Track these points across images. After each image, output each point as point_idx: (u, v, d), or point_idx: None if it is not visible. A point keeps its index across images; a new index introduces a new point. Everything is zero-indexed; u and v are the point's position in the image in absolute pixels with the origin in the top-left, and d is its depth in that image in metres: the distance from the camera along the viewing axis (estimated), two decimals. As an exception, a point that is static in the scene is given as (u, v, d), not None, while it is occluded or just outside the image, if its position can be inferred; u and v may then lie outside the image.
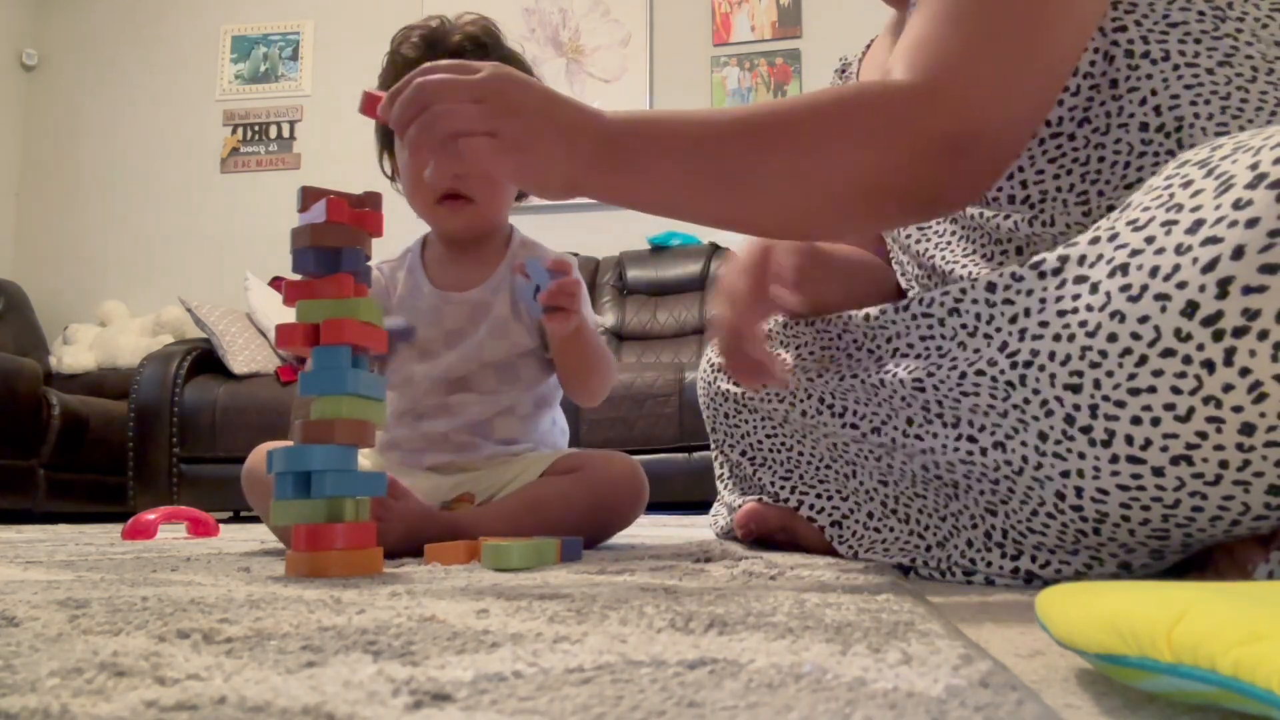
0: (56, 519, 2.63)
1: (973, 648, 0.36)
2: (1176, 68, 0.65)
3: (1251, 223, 0.46)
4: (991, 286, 0.62)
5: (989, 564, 0.67)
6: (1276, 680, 0.22)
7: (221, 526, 1.68)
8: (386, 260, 1.13)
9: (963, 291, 0.64)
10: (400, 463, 1.05)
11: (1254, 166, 0.47)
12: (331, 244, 0.73)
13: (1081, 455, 0.56)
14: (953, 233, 0.79)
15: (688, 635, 0.38)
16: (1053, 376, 0.56)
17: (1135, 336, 0.51)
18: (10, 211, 3.88)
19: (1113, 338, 0.52)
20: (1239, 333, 0.46)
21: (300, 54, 3.84)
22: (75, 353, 3.31)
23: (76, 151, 3.88)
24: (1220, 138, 0.52)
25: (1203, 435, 0.49)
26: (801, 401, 0.83)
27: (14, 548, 1.12)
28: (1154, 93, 0.65)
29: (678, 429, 2.45)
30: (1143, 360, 0.50)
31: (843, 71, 1.02)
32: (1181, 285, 0.48)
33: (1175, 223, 0.50)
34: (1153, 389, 0.50)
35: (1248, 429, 0.48)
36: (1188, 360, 0.48)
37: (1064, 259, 0.57)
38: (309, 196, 0.75)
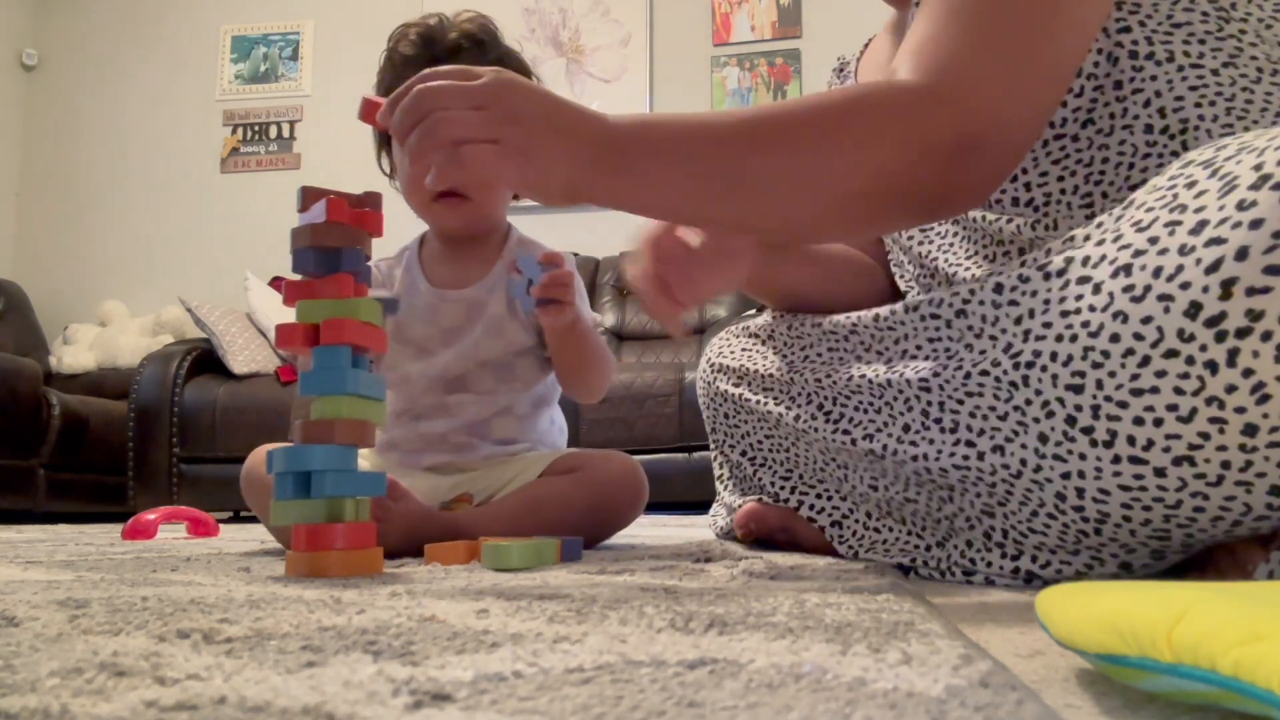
0: (56, 519, 2.63)
1: (973, 648, 0.36)
2: (1181, 69, 0.65)
3: (1255, 224, 0.46)
4: (999, 288, 0.62)
5: (989, 564, 0.67)
6: (1277, 680, 0.22)
7: (221, 526, 1.68)
8: (384, 258, 1.13)
9: (971, 293, 0.64)
10: (399, 463, 1.05)
11: (1258, 167, 0.47)
12: (331, 244, 0.73)
13: (1083, 456, 0.56)
14: (955, 234, 0.78)
15: (688, 635, 0.38)
16: (1055, 377, 0.56)
17: (1138, 337, 0.51)
18: (10, 211, 3.88)
19: (1115, 338, 0.52)
20: (1242, 334, 0.46)
21: (300, 54, 3.84)
22: (75, 353, 3.31)
23: (76, 151, 3.88)
24: (1224, 138, 0.52)
25: (1205, 436, 0.49)
26: (798, 406, 0.83)
27: (14, 548, 1.12)
28: (1158, 94, 0.65)
29: (678, 429, 2.45)
30: (1145, 361, 0.50)
31: (840, 71, 1.01)
32: (1185, 286, 0.48)
33: (1179, 223, 0.49)
34: (1155, 389, 0.50)
35: (1250, 430, 0.48)
36: (1191, 361, 0.48)
37: (1069, 260, 0.57)
38: (309, 196, 0.75)
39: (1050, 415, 0.57)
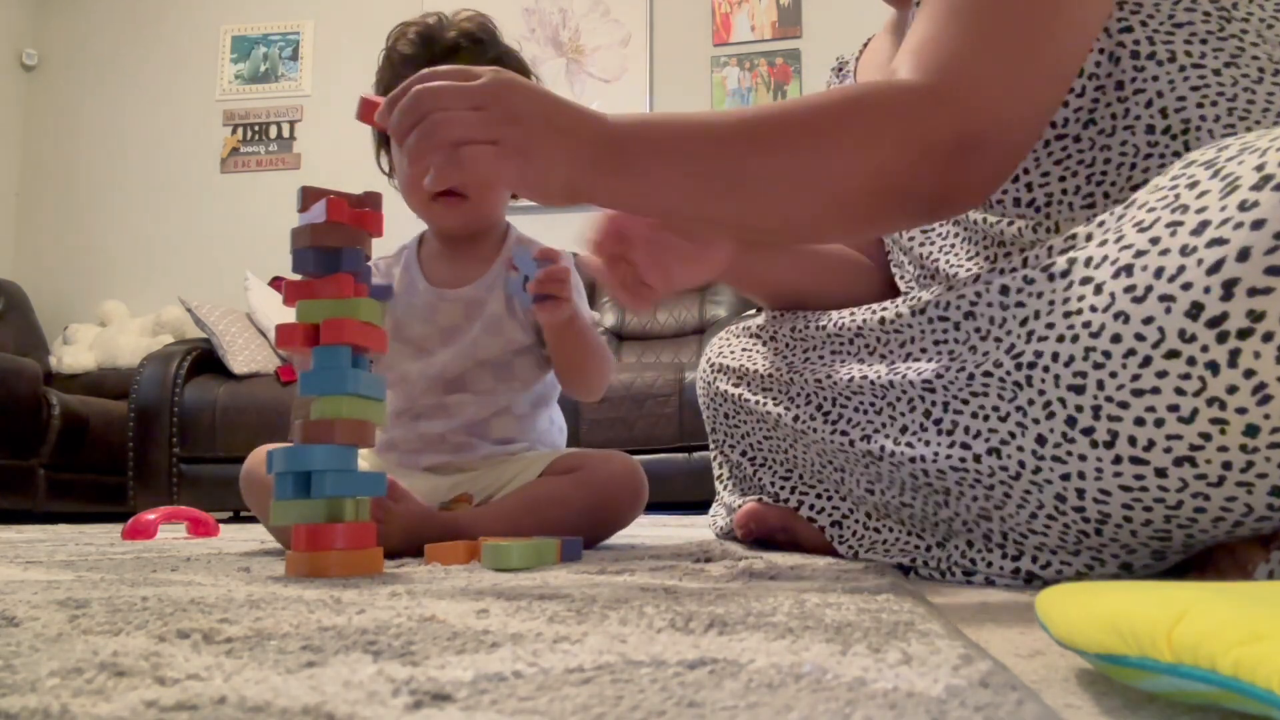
0: (56, 519, 2.63)
1: (973, 648, 0.36)
2: (1183, 69, 0.65)
3: (1257, 224, 0.46)
4: (1005, 290, 0.62)
5: (989, 564, 0.67)
6: (1277, 680, 0.22)
7: (221, 526, 1.68)
8: (383, 257, 1.13)
9: (978, 295, 0.64)
10: (397, 464, 1.05)
11: (1260, 168, 0.47)
12: (331, 244, 0.73)
13: (1083, 457, 0.56)
14: (956, 234, 0.78)
15: (688, 635, 0.38)
16: (1057, 378, 0.56)
17: (1139, 338, 0.50)
18: (10, 211, 3.88)
19: (1117, 339, 0.52)
20: (1243, 334, 0.46)
21: (300, 54, 3.84)
22: (75, 353, 3.31)
23: (76, 151, 3.88)
24: (1226, 139, 0.52)
25: (1206, 437, 0.49)
26: (797, 406, 0.83)
27: (14, 548, 1.12)
28: (1160, 94, 0.65)
29: (678, 429, 2.45)
30: (1147, 361, 0.50)
31: (839, 70, 1.01)
32: (1186, 286, 0.48)
33: (1180, 224, 0.49)
34: (1156, 390, 0.50)
35: (1251, 430, 0.48)
36: (1192, 362, 0.48)
37: (1072, 261, 0.57)
38: (309, 196, 0.75)
39: (1051, 416, 0.57)
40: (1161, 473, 0.52)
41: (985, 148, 0.62)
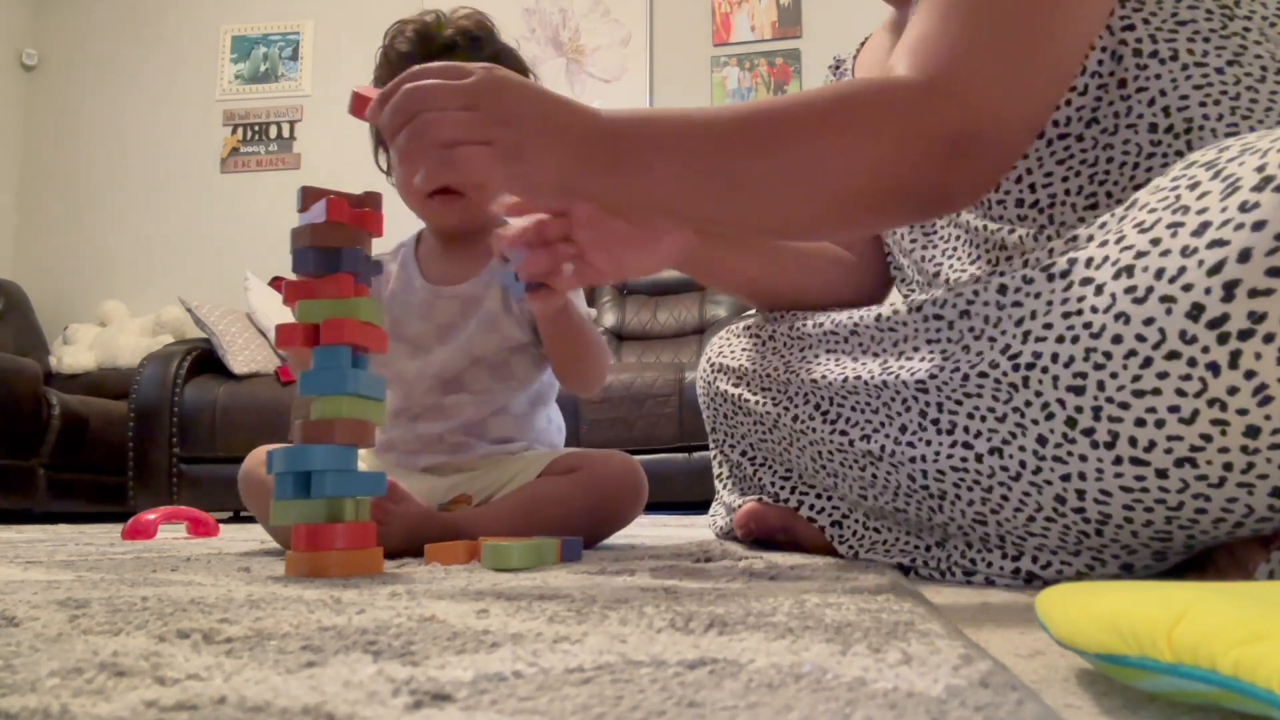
0: (56, 519, 2.63)
1: (973, 648, 0.35)
2: (1185, 67, 0.64)
3: (1258, 225, 0.46)
4: (1003, 289, 0.61)
5: (989, 564, 0.67)
6: (1277, 680, 0.22)
7: (221, 526, 1.68)
8: (381, 253, 1.13)
9: (975, 294, 0.64)
10: (395, 464, 1.05)
11: (1261, 169, 0.47)
12: (331, 244, 0.73)
13: (1083, 458, 0.56)
14: (958, 237, 0.78)
15: (688, 635, 0.38)
16: (1056, 379, 0.56)
17: (1140, 339, 0.50)
18: (10, 211, 3.88)
19: (1117, 339, 0.52)
20: (1244, 335, 0.46)
21: (300, 54, 3.84)
22: (75, 353, 3.31)
23: (76, 151, 3.88)
24: (1228, 139, 0.52)
25: (1207, 438, 0.49)
26: (796, 406, 0.83)
27: (14, 548, 1.12)
28: (1163, 93, 0.65)
29: (678, 429, 2.45)
30: (1147, 362, 0.50)
31: (837, 68, 1.01)
32: (1187, 288, 0.48)
33: (1181, 225, 0.49)
34: (1157, 391, 0.50)
35: (1252, 431, 0.48)
36: (1192, 363, 0.48)
37: (1072, 261, 0.57)
38: (309, 196, 0.74)
39: (1050, 417, 0.57)
40: (1162, 474, 0.52)
41: (983, 145, 0.61)
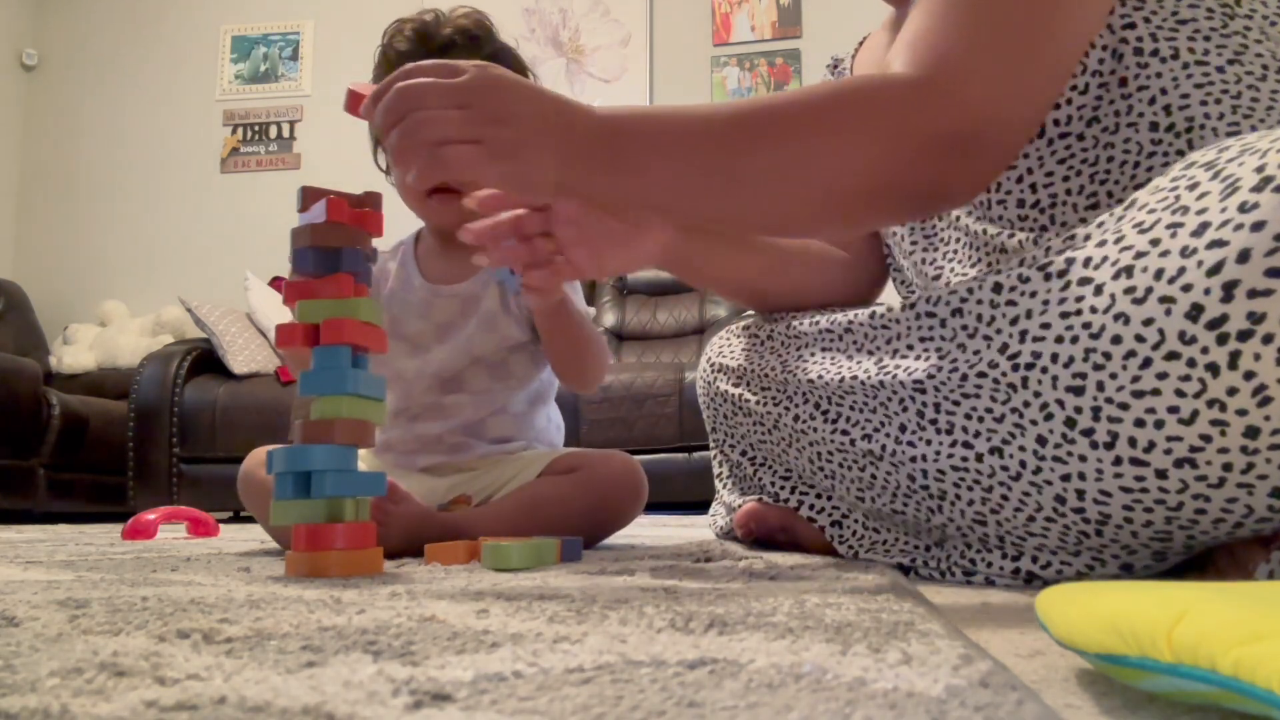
0: (56, 519, 2.63)
1: (973, 648, 0.35)
2: (1186, 65, 0.64)
3: (1257, 226, 0.45)
4: (998, 287, 0.61)
5: (989, 564, 0.67)
6: (1277, 680, 0.22)
7: (221, 526, 1.68)
8: (380, 251, 1.13)
9: (969, 291, 0.64)
10: (394, 464, 1.05)
11: (1260, 169, 0.47)
12: (331, 244, 0.73)
13: (1083, 458, 0.55)
14: (958, 240, 0.78)
15: (688, 635, 0.38)
16: (1055, 379, 0.56)
17: (1139, 339, 0.50)
18: (10, 211, 3.88)
19: (1117, 340, 0.52)
20: (1244, 336, 0.46)
21: (300, 54, 3.84)
22: (75, 353, 3.31)
23: (76, 151, 3.88)
24: (1227, 139, 0.52)
25: (1206, 438, 0.49)
26: (796, 406, 0.83)
27: (14, 548, 1.12)
28: (1164, 91, 0.65)
29: (678, 429, 2.45)
30: (1147, 363, 0.50)
31: (835, 68, 1.01)
32: (1186, 288, 0.48)
33: (1181, 225, 0.49)
34: (1156, 392, 0.50)
35: (1252, 432, 0.48)
36: (1192, 363, 0.48)
37: (1070, 261, 0.56)
38: (309, 196, 0.75)
39: (1049, 417, 0.57)
40: (1162, 474, 0.52)
41: (980, 143, 0.61)
